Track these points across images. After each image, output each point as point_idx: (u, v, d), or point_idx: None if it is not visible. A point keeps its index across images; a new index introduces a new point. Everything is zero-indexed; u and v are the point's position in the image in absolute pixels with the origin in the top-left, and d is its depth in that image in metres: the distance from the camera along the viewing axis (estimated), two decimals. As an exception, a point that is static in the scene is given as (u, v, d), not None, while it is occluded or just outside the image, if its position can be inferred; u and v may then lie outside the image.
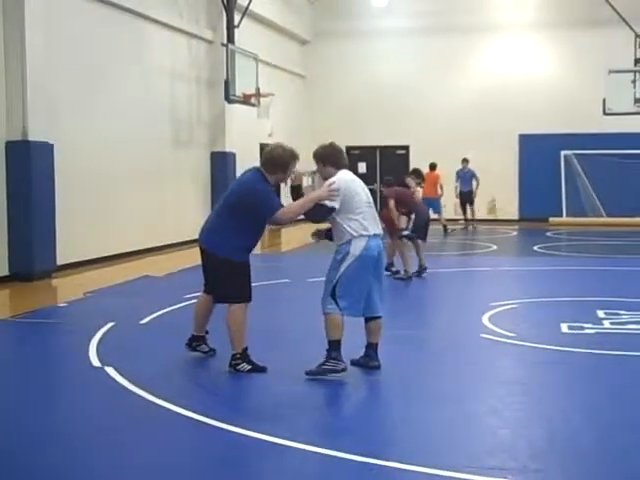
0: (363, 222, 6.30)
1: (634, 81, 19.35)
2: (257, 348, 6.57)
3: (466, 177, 20.92)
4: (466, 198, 21.21)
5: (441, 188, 19.76)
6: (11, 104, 11.74)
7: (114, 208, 14.39)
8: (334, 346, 6.22)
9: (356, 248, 6.25)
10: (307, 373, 6.23)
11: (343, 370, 6.23)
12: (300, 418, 5.41)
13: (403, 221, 12.02)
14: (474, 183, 20.91)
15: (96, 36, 13.96)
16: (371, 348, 6.50)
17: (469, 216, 21.51)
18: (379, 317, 6.44)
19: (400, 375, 6.64)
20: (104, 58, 14.20)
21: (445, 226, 20.06)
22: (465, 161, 21.01)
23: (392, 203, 11.81)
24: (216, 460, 4.69)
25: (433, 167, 19.78)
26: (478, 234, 20.18)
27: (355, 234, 6.26)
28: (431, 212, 15.57)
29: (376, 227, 6.42)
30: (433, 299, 11.28)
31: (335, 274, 6.28)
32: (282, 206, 6.47)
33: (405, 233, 11.88)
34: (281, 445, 4.76)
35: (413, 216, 12.02)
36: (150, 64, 16.00)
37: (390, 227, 11.81)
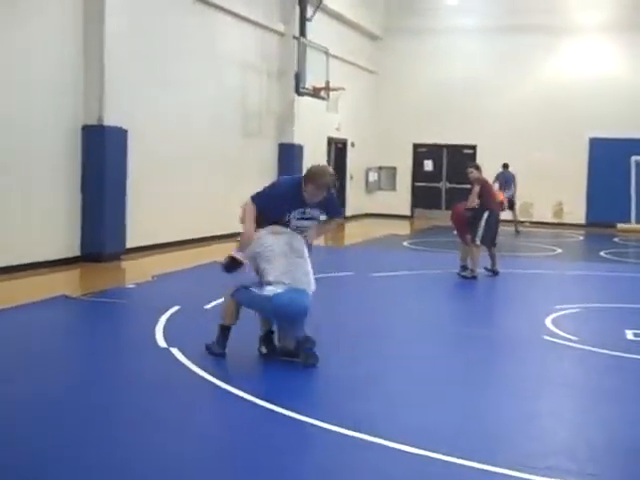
0: None
1: None
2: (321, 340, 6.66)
3: (508, 181, 20.47)
4: (509, 202, 20.95)
5: (514, 187, 19.93)
6: (89, 89, 12.06)
7: (183, 195, 14.65)
8: (222, 330, 6.53)
9: None
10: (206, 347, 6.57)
11: (220, 355, 6.47)
12: (365, 411, 5.49)
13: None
14: (512, 187, 20.51)
15: (170, 26, 14.22)
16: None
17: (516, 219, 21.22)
18: None
19: (462, 373, 6.68)
20: (177, 48, 14.45)
21: (517, 226, 20.07)
22: (505, 166, 20.52)
23: (478, 189, 11.76)
24: (272, 443, 4.78)
25: (506, 167, 19.90)
26: (543, 237, 19.95)
27: None
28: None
29: None
30: (498, 300, 11.22)
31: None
32: (253, 201, 6.52)
33: (477, 242, 11.78)
34: (357, 439, 4.85)
35: (486, 214, 11.87)
36: (222, 55, 16.21)
37: (462, 231, 11.84)
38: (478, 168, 12.27)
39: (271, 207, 6.47)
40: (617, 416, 5.60)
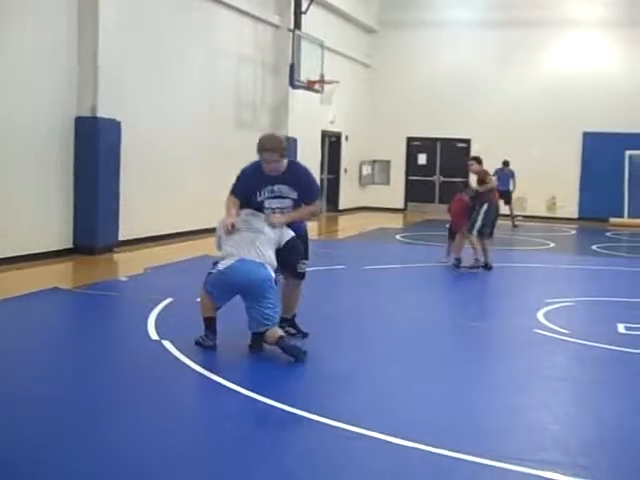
0: None
1: None
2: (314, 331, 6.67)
3: (506, 177, 20.57)
4: (504, 197, 21.03)
5: (514, 184, 20.20)
6: (82, 81, 12.02)
7: (176, 187, 14.63)
8: (206, 323, 6.59)
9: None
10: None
11: (210, 347, 6.52)
12: (354, 404, 5.50)
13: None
14: (511, 183, 20.61)
15: (164, 17, 14.17)
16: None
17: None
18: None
19: (453, 366, 6.69)
20: (171, 39, 14.41)
21: (514, 220, 20.14)
22: (506, 164, 20.59)
23: (494, 179, 11.85)
24: (264, 436, 4.79)
25: (506, 164, 20.22)
26: (536, 231, 19.99)
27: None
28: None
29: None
30: (489, 294, 11.24)
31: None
32: (231, 194, 6.75)
33: (474, 234, 11.80)
34: (345, 431, 4.86)
35: (485, 207, 11.90)
36: (216, 47, 16.17)
37: (460, 222, 11.87)
38: (479, 161, 12.33)
39: (244, 192, 6.68)
40: (608, 409, 5.61)
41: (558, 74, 23.63)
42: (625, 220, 22.25)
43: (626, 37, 23.06)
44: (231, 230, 6.49)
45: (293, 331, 7.00)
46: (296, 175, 6.69)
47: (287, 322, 7.00)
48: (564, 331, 7.83)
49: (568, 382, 6.36)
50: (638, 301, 9.91)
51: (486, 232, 11.98)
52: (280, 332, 6.41)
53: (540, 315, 8.58)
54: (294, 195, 6.69)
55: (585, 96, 23.12)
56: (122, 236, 12.77)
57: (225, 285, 6.49)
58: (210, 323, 6.60)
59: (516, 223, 20.61)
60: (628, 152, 22.80)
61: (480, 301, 10.57)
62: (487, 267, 11.99)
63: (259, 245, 6.47)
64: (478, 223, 11.82)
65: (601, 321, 8.62)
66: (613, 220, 22.19)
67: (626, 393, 6.09)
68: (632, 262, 14.27)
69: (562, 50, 23.82)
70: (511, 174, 20.56)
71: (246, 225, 6.56)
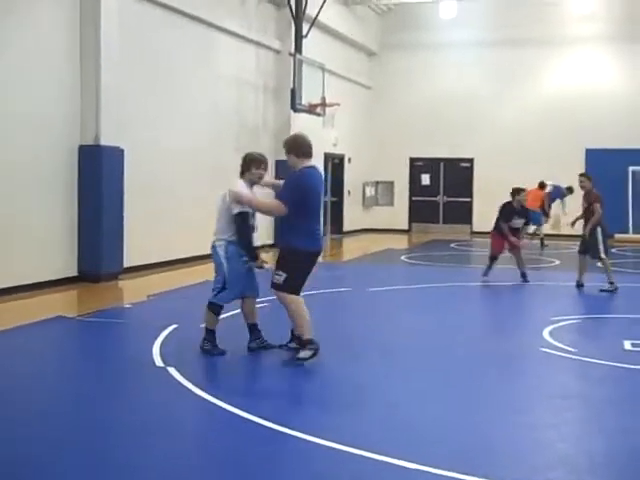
0: None
1: None
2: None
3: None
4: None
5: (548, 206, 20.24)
6: (86, 109, 12.10)
7: (178, 213, 14.65)
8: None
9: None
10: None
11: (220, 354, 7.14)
12: (359, 424, 5.47)
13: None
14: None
15: (166, 44, 14.29)
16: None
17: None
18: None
19: (459, 384, 6.67)
20: (174, 66, 14.52)
21: (542, 240, 20.12)
22: (542, 185, 20.49)
23: (598, 206, 12.12)
24: (269, 462, 4.77)
25: (542, 186, 20.04)
26: (540, 249, 19.95)
27: None
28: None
29: None
30: (496, 311, 11.23)
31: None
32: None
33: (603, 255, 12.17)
34: (348, 453, 4.83)
35: (599, 230, 12.32)
36: (218, 73, 16.28)
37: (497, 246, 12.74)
38: (590, 178, 12.43)
39: None
40: (615, 427, 5.59)
41: (559, 92, 23.71)
42: (630, 236, 22.18)
43: (627, 53, 23.15)
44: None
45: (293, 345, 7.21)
46: (286, 177, 7.30)
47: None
48: (570, 349, 7.80)
49: (574, 400, 6.33)
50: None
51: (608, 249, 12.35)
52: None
53: (546, 333, 8.55)
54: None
55: (587, 113, 23.17)
56: (126, 263, 12.78)
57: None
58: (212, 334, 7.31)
59: (546, 243, 20.44)
60: (631, 168, 22.79)
61: (486, 320, 10.55)
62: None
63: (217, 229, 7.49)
64: (601, 246, 12.07)
65: (607, 338, 8.61)
66: (618, 236, 22.11)
67: (633, 410, 6.05)
68: (637, 278, 14.23)
69: (563, 67, 23.91)
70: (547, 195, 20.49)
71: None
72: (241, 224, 7.10)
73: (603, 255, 12.03)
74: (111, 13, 12.33)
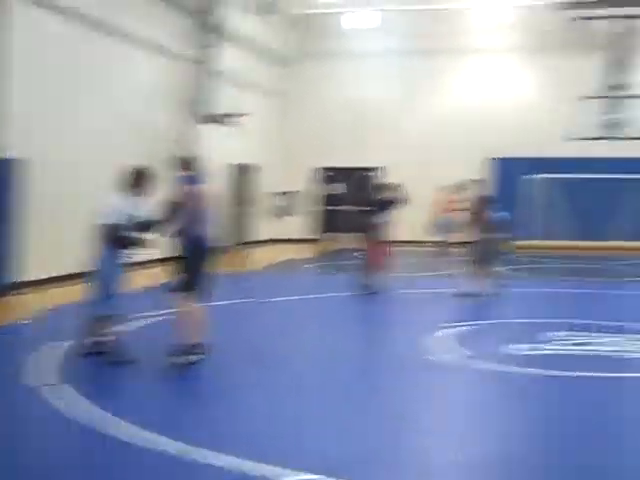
0: None
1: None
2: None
3: None
4: None
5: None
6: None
7: (85, 225, 14.45)
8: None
9: None
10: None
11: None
12: (248, 435, 5.60)
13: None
14: None
15: (71, 53, 14.24)
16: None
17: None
18: None
19: (340, 392, 6.87)
20: (77, 78, 14.43)
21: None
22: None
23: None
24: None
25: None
26: (434, 256, 20.39)
27: None
28: None
29: None
30: (381, 319, 11.49)
31: None
32: None
33: None
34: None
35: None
36: (125, 82, 16.23)
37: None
38: (478, 183, 13.20)
39: None
40: (496, 432, 5.85)
41: (465, 101, 24.39)
42: (529, 242, 22.85)
43: (536, 63, 23.95)
44: None
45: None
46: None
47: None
48: (454, 355, 8.09)
49: (456, 405, 6.60)
50: (527, 321, 10.32)
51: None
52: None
53: (432, 340, 8.84)
54: None
55: (492, 122, 23.86)
56: (31, 276, 12.70)
57: None
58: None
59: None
60: (530, 176, 23.40)
61: (373, 329, 10.77)
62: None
63: None
64: (486, 253, 12.66)
65: (490, 343, 8.91)
66: (520, 243, 22.73)
67: (510, 415, 6.33)
68: (526, 283, 14.80)
69: (470, 78, 24.60)
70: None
71: None
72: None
73: (486, 262, 12.39)
74: (14, 22, 12.27)
